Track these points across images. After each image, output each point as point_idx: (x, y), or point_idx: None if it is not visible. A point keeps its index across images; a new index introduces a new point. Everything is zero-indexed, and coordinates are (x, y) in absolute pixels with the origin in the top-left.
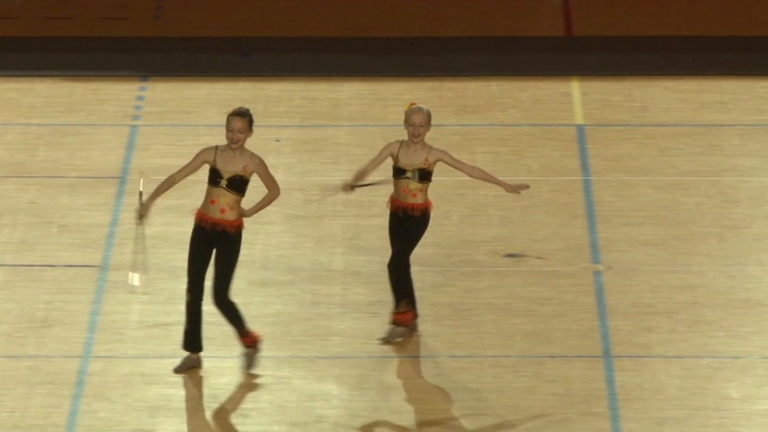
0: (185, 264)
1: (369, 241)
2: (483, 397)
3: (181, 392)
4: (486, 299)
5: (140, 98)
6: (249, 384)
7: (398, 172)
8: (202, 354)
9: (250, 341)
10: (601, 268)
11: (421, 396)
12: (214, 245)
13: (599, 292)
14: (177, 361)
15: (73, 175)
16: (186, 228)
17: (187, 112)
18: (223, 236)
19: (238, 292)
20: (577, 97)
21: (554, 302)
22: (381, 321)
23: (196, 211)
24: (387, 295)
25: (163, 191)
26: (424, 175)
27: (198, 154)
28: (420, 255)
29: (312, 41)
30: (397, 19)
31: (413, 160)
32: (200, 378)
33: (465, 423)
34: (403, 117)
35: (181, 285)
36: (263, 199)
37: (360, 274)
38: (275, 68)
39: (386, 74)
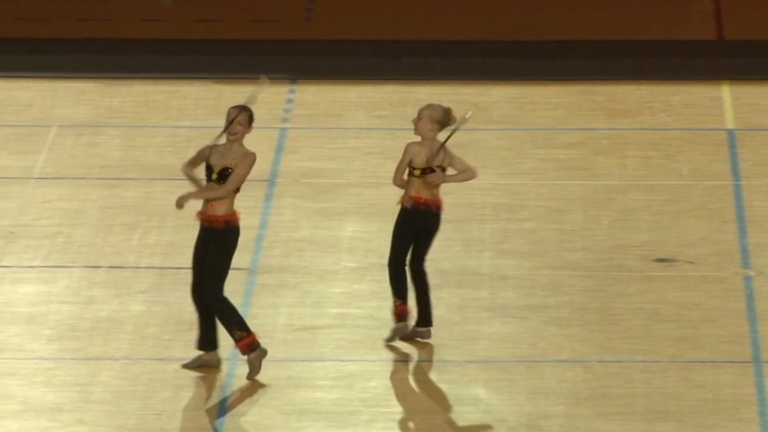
0: (335, 267)
1: (517, 245)
2: (631, 402)
3: (329, 396)
4: (635, 304)
5: (289, 101)
6: (396, 388)
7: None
8: (354, 358)
9: (243, 347)
10: (751, 273)
11: (568, 400)
12: (209, 242)
13: (749, 298)
14: (325, 365)
15: None
16: (335, 232)
17: (336, 115)
18: (212, 232)
19: (386, 296)
20: (727, 101)
21: (704, 307)
22: (529, 325)
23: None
24: (534, 299)
25: (189, 178)
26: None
27: (200, 150)
28: (569, 260)
29: (461, 44)
30: (545, 22)
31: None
32: (348, 382)
33: (611, 426)
34: (549, 122)
35: (330, 288)
36: (208, 189)
37: (508, 278)
38: (424, 72)
39: (535, 78)
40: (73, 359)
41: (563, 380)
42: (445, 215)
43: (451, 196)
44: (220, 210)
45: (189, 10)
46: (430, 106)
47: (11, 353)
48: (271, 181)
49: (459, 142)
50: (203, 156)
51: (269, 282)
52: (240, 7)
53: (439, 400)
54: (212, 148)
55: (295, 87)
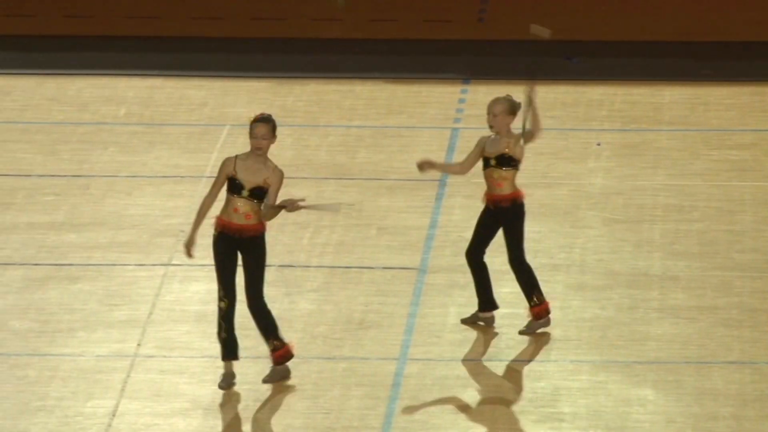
0: (504, 267)
1: (688, 246)
2: None
3: (496, 395)
4: None
5: (461, 101)
6: (565, 388)
7: (485, 163)
8: (523, 358)
9: (279, 357)
10: None
11: (736, 402)
12: (241, 251)
13: None
14: (495, 364)
15: (393, 177)
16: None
17: None
18: (250, 241)
19: (555, 296)
20: None
21: None
22: (699, 326)
23: (217, 219)
24: (705, 300)
25: (202, 218)
26: (506, 161)
27: (221, 170)
28: (740, 261)
29: (634, 45)
30: (721, 23)
31: (496, 147)
32: (517, 382)
33: None
34: (722, 123)
35: (499, 288)
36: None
37: (679, 279)
38: (597, 72)
39: (709, 79)
40: (242, 357)
41: (731, 381)
42: (616, 216)
43: (623, 196)
44: (255, 220)
45: (363, 10)
46: (499, 101)
47: (181, 351)
48: (441, 181)
49: (630, 143)
50: (228, 174)
51: (439, 282)
52: (413, 7)
53: (607, 400)
54: (234, 163)
55: (468, 87)
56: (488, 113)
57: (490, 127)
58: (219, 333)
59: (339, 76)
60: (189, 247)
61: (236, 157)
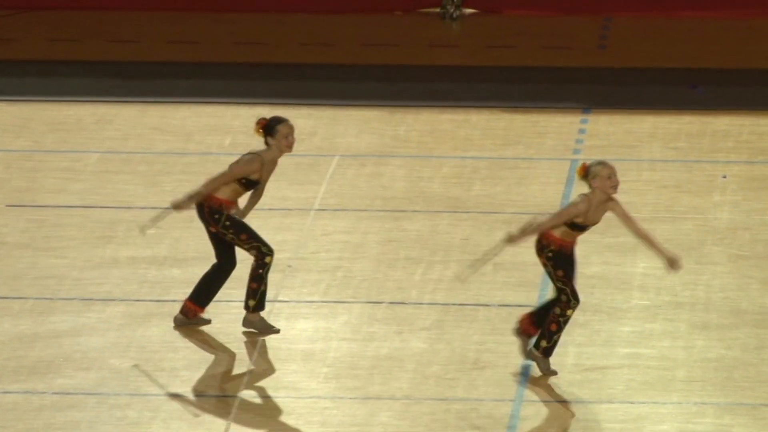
0: (625, 305)
1: None
2: None
3: None
4: None
5: (581, 131)
6: (685, 430)
7: (581, 228)
8: (644, 400)
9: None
10: None
11: None
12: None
13: None
14: (614, 407)
15: (510, 210)
16: (627, 268)
17: (630, 147)
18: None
19: (679, 335)
20: None
21: None
22: None
23: (225, 200)
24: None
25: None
26: None
27: (247, 166)
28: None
29: (763, 73)
30: None
31: (598, 216)
32: (638, 425)
33: None
34: None
35: (620, 327)
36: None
37: None
38: (723, 101)
39: None
40: (351, 398)
41: None
42: (743, 252)
43: (750, 231)
44: None
45: (479, 36)
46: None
47: (287, 392)
48: None
49: (758, 175)
50: (255, 174)
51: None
52: (532, 33)
53: None
54: (262, 165)
55: (588, 117)
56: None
57: (614, 188)
58: (261, 287)
59: (454, 105)
60: (178, 207)
61: (263, 158)
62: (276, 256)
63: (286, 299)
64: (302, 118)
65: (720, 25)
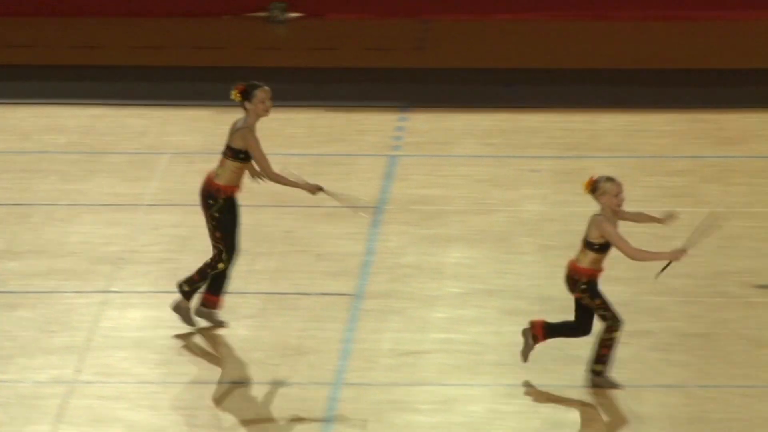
0: (438, 293)
1: (622, 271)
2: (729, 426)
3: (431, 419)
4: (736, 330)
5: (400, 129)
6: (496, 412)
7: (607, 247)
8: (455, 382)
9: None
10: None
11: (667, 425)
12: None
13: None
14: (427, 389)
15: (331, 204)
16: (440, 258)
17: (446, 143)
18: (236, 202)
19: (490, 321)
20: None
21: None
22: (631, 350)
23: (227, 187)
24: (637, 325)
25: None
26: None
27: (252, 137)
28: (672, 286)
29: (572, 72)
30: (656, 51)
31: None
32: (450, 406)
33: None
34: (658, 149)
35: (433, 314)
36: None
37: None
38: (535, 99)
39: (644, 105)
40: (179, 383)
41: (663, 405)
42: (551, 242)
43: (557, 223)
44: None
45: (302, 39)
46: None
47: (119, 377)
48: (378, 208)
49: (567, 169)
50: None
51: (374, 307)
52: (354, 36)
53: (539, 423)
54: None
55: (406, 115)
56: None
57: (619, 205)
58: (200, 282)
59: (279, 105)
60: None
61: (250, 128)
62: (107, 248)
63: (117, 290)
64: (134, 118)
65: (532, 27)
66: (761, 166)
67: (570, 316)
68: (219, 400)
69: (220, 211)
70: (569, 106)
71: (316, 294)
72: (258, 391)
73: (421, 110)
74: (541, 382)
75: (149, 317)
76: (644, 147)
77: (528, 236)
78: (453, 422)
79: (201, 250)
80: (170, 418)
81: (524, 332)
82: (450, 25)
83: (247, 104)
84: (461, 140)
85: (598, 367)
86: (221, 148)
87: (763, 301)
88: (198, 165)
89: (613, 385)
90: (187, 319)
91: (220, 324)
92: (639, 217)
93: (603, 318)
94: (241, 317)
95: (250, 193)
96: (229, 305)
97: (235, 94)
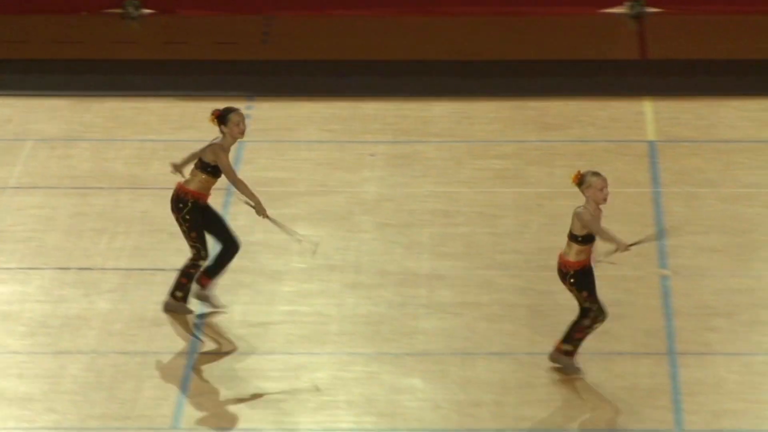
0: (285, 268)
1: (453, 248)
2: (555, 390)
3: (278, 385)
4: (561, 301)
5: (246, 116)
6: (340, 378)
7: (590, 239)
8: (301, 351)
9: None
10: (668, 272)
11: (498, 389)
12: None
13: (666, 295)
14: (275, 357)
15: None
16: (286, 236)
17: (290, 129)
18: (209, 207)
19: (332, 294)
20: (649, 115)
21: (624, 304)
22: (463, 321)
23: (194, 193)
24: (469, 297)
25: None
26: None
27: (223, 154)
28: (501, 260)
29: (405, 64)
30: (484, 44)
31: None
32: (296, 373)
33: (537, 413)
34: (486, 135)
35: (280, 288)
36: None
37: (444, 278)
38: (371, 89)
39: (473, 94)
40: (44, 353)
41: (494, 371)
42: (388, 221)
43: (394, 203)
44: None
45: (156, 33)
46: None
47: None
48: (227, 190)
49: (401, 153)
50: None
51: (225, 282)
52: (203, 31)
53: (379, 389)
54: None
55: (252, 103)
56: (600, 189)
57: (605, 200)
58: (188, 283)
59: (134, 94)
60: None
61: (223, 147)
62: None
63: None
64: (0, 107)
65: (367, 22)
66: (581, 150)
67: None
68: (82, 369)
69: (190, 213)
70: (402, 95)
71: (171, 269)
72: (118, 360)
73: (265, 99)
74: (380, 350)
75: (16, 292)
76: (473, 132)
77: (366, 215)
78: (300, 388)
79: (62, 229)
80: (36, 385)
81: (551, 357)
82: (291, 21)
83: (223, 128)
84: (303, 127)
85: (569, 347)
86: (81, 134)
87: None
88: (59, 150)
89: (574, 370)
90: (182, 310)
91: (217, 306)
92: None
93: (588, 310)
94: (102, 291)
95: (108, 177)
96: (92, 280)
97: (211, 119)
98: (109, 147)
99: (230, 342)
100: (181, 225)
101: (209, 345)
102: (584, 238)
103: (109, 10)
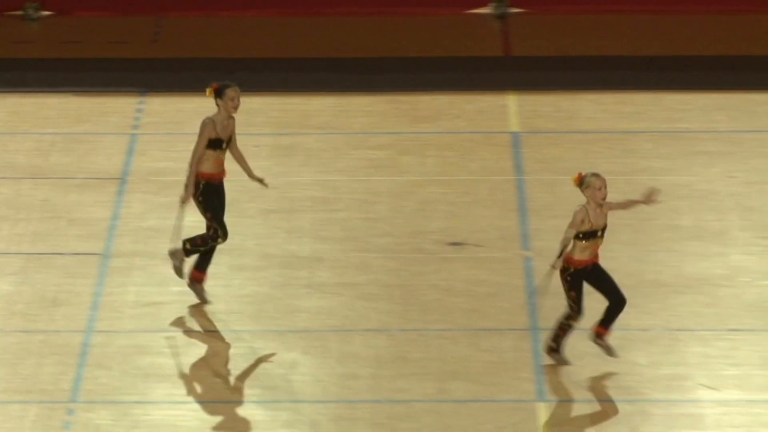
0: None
1: (332, 232)
2: (427, 364)
3: (170, 361)
4: (432, 281)
5: (139, 111)
6: (226, 353)
7: (591, 235)
8: (191, 328)
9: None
10: (530, 254)
11: (374, 363)
12: (221, 193)
13: (528, 275)
14: (169, 334)
15: (81, 176)
16: (173, 222)
17: (179, 122)
18: (221, 188)
19: (220, 276)
20: (513, 108)
21: (490, 283)
22: (341, 300)
23: (205, 174)
24: (347, 277)
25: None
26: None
27: (203, 132)
28: (377, 244)
29: (287, 61)
30: (360, 42)
31: (600, 221)
32: (186, 349)
33: (410, 385)
34: (363, 127)
35: (171, 270)
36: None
37: (324, 260)
38: (257, 84)
39: (350, 89)
40: None
41: (370, 346)
42: (272, 207)
43: (277, 191)
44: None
45: (55, 33)
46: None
47: None
48: (122, 179)
49: (284, 145)
50: (210, 135)
51: (120, 265)
52: (99, 31)
53: (262, 363)
54: (213, 124)
55: (145, 98)
56: (599, 189)
57: (603, 199)
58: (202, 246)
59: (35, 91)
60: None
61: (212, 119)
62: None
63: None
64: None
65: (252, 22)
66: (450, 141)
67: None
68: None
69: (203, 194)
70: (285, 90)
71: (70, 254)
72: (20, 338)
73: (157, 95)
74: (264, 327)
75: None
76: (350, 125)
77: (252, 202)
78: (189, 363)
79: None
80: None
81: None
82: (180, 21)
83: (218, 101)
84: (193, 120)
85: (553, 344)
86: None
87: (454, 256)
88: None
89: (565, 362)
90: (178, 269)
91: (205, 301)
92: (626, 205)
93: (570, 307)
94: (5, 274)
95: (10, 168)
96: None
97: (209, 92)
98: (11, 140)
99: (125, 321)
100: (197, 206)
101: (106, 324)
102: (585, 235)
103: (10, 12)
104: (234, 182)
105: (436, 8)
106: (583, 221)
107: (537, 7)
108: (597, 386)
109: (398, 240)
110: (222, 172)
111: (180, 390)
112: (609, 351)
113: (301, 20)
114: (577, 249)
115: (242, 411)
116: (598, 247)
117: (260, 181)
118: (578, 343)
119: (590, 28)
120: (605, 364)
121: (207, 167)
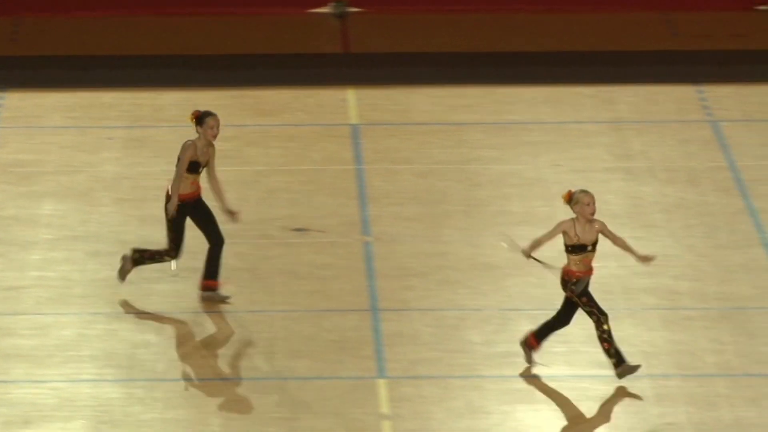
0: (35, 239)
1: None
2: (273, 343)
3: (30, 342)
4: (277, 265)
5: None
6: (85, 335)
7: (580, 248)
8: (50, 312)
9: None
10: (370, 239)
11: (224, 342)
12: (195, 211)
13: (368, 258)
14: (27, 318)
15: None
16: (35, 210)
17: (38, 117)
18: (199, 202)
19: (76, 262)
20: (352, 102)
21: (332, 267)
22: (192, 284)
23: (180, 195)
24: (197, 262)
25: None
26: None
27: (186, 151)
28: (224, 229)
29: (140, 58)
30: (207, 40)
31: (589, 236)
32: (45, 331)
33: (257, 363)
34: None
35: (30, 256)
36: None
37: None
38: (110, 80)
39: (198, 84)
40: None
41: (219, 327)
42: (126, 196)
43: (131, 180)
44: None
45: None
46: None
47: None
48: None
49: (137, 137)
50: (192, 157)
51: None
52: None
53: (119, 344)
54: (196, 148)
55: (4, 94)
56: (586, 204)
57: (592, 214)
58: (150, 260)
59: None
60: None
61: (195, 143)
62: None
63: None
64: None
65: (104, 22)
66: (293, 133)
67: None
68: None
69: (176, 214)
70: (137, 85)
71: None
72: None
73: (16, 90)
74: (119, 310)
75: None
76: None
77: (106, 191)
78: (48, 344)
79: None
80: None
81: (521, 345)
82: (38, 21)
83: (198, 128)
84: (50, 114)
85: (614, 361)
86: None
87: (298, 241)
88: None
89: (633, 370)
90: (123, 272)
91: (224, 300)
92: (619, 243)
93: (589, 314)
94: None
95: None
96: None
97: (190, 118)
98: None
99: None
100: (166, 223)
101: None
102: (573, 248)
103: None
104: (88, 173)
105: (278, 8)
106: (565, 232)
107: (374, 7)
108: (435, 364)
109: (244, 226)
110: (197, 191)
111: (38, 369)
112: None
113: (151, 19)
114: (572, 262)
115: (99, 389)
116: (590, 260)
117: (232, 214)
118: (415, 323)
119: (425, 27)
120: (442, 343)
121: (182, 188)
